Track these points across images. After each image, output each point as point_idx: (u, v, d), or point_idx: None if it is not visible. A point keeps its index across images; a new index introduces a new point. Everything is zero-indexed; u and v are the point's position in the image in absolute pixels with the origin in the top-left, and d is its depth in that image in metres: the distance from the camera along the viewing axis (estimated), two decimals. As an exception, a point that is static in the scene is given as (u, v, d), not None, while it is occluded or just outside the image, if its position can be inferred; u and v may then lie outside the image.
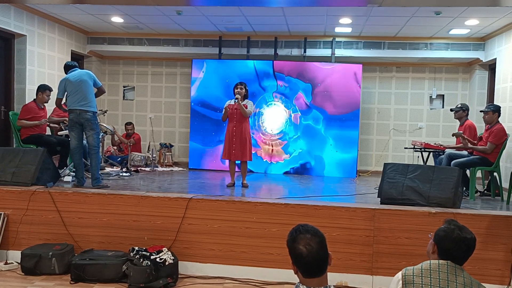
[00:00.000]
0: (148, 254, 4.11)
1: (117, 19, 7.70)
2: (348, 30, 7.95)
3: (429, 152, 6.76)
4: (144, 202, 4.54)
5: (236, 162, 6.22)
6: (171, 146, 9.16)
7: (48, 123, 6.52)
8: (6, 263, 4.42)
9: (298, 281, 1.88)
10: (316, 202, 4.53)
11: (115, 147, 8.66)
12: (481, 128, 6.73)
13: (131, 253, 4.20)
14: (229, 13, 7.11)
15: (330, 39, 8.40)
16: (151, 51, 8.85)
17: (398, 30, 7.77)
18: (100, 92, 5.64)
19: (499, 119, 5.87)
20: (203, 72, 8.50)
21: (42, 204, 4.64)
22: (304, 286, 1.83)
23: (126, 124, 8.85)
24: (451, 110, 6.75)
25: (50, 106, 6.74)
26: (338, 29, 7.95)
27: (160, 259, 4.07)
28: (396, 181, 4.69)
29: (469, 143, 5.91)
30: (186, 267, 4.39)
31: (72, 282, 4.08)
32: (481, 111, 6.12)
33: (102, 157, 7.26)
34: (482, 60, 8.08)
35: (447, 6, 6.16)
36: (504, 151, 5.81)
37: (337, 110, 8.20)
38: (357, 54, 8.41)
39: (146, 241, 4.47)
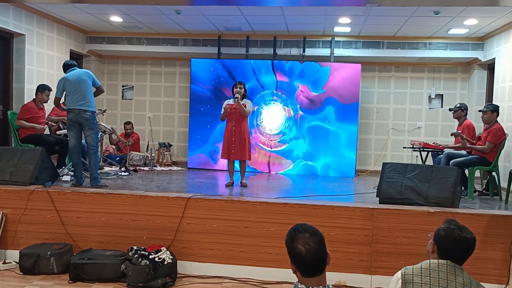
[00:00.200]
0: (146, 253, 4.11)
1: (116, 19, 7.70)
2: (347, 29, 7.95)
3: (428, 151, 6.76)
4: (142, 201, 4.54)
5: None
6: (170, 145, 9.16)
7: (44, 129, 6.48)
8: (4, 263, 4.42)
9: (297, 280, 1.88)
10: (315, 202, 4.53)
11: (114, 147, 8.65)
12: (479, 127, 6.74)
13: (130, 253, 4.20)
14: (228, 13, 7.11)
15: (329, 38, 8.40)
16: (150, 50, 8.84)
17: (397, 29, 7.77)
18: (99, 91, 5.63)
19: (498, 119, 5.87)
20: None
21: (40, 203, 4.64)
22: (303, 286, 1.83)
23: (125, 123, 8.84)
24: (450, 109, 6.75)
25: (49, 106, 6.73)
26: (337, 29, 7.95)
27: (159, 258, 4.07)
28: (395, 180, 4.69)
29: (467, 143, 5.91)
30: (184, 267, 4.39)
31: (70, 281, 4.07)
32: (479, 111, 6.13)
33: (101, 157, 7.26)
34: (481, 60, 8.09)
35: (446, 6, 6.16)
36: (502, 150, 5.81)
37: (337, 108, 8.21)
38: (356, 53, 8.41)
39: (145, 241, 4.46)
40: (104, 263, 4.11)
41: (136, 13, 7.35)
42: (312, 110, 8.26)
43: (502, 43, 7.27)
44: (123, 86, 9.67)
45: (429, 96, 8.90)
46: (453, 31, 7.62)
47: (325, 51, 8.44)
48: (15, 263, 4.40)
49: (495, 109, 5.85)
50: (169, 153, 8.94)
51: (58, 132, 6.51)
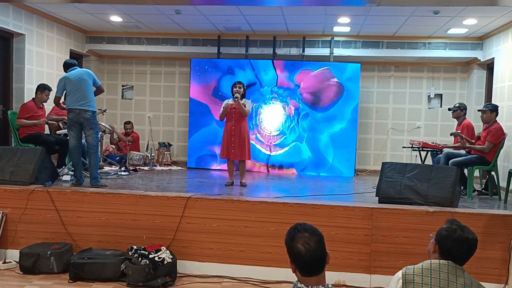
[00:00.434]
0: (146, 253, 4.12)
1: (116, 18, 7.70)
2: (347, 29, 7.96)
3: (427, 151, 6.77)
4: (142, 201, 4.54)
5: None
6: (170, 145, 9.16)
7: (47, 122, 6.51)
8: (4, 262, 4.42)
9: (296, 279, 1.89)
10: (314, 201, 4.54)
11: (114, 146, 8.66)
12: (479, 127, 6.75)
13: (130, 252, 4.20)
14: (228, 13, 7.11)
15: (329, 38, 8.41)
16: (149, 50, 8.85)
17: (396, 29, 7.78)
18: (99, 91, 5.63)
19: (497, 118, 5.88)
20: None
21: (40, 203, 4.64)
22: (302, 285, 1.84)
23: (125, 123, 8.85)
24: (449, 109, 6.76)
25: (48, 105, 6.74)
26: (336, 29, 7.95)
27: (159, 258, 4.07)
28: (394, 180, 4.70)
29: (467, 143, 5.92)
30: (184, 266, 4.40)
31: (70, 281, 4.08)
32: (479, 110, 6.14)
33: (101, 156, 7.26)
34: (480, 60, 8.10)
35: (445, 6, 6.17)
36: (501, 150, 5.82)
37: (337, 108, 8.21)
38: (356, 53, 8.42)
39: (145, 240, 4.47)
40: (104, 263, 4.12)
41: (136, 13, 7.36)
42: (312, 109, 8.26)
43: (501, 42, 7.28)
44: (123, 86, 9.67)
45: (429, 96, 8.91)
46: (453, 30, 7.63)
47: (325, 51, 8.45)
48: (15, 263, 4.40)
49: (494, 109, 5.85)
50: (169, 152, 8.95)
51: (58, 132, 6.51)
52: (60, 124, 6.59)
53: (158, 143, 9.16)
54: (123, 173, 6.88)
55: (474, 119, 7.77)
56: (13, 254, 4.52)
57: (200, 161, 8.54)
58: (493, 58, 7.59)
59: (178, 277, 4.23)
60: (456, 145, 6.22)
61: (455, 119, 6.66)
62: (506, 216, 4.21)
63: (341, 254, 4.24)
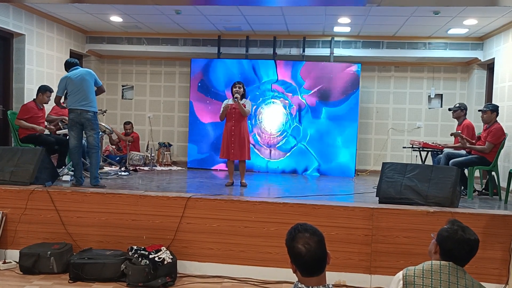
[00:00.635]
0: (146, 253, 4.11)
1: (116, 19, 7.70)
2: (347, 29, 7.95)
3: (428, 151, 6.77)
4: (142, 201, 4.54)
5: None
6: (170, 145, 9.16)
7: (47, 125, 6.49)
8: (4, 262, 4.42)
9: (297, 280, 1.89)
10: (314, 201, 4.54)
11: (114, 146, 8.66)
12: (479, 127, 6.74)
13: (130, 252, 4.20)
14: (228, 13, 7.11)
15: (329, 38, 8.41)
16: (150, 50, 8.85)
17: (396, 29, 7.78)
18: (100, 91, 5.61)
19: (497, 119, 5.88)
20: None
21: (40, 203, 4.64)
22: (303, 285, 1.84)
23: (125, 123, 8.85)
24: (449, 109, 6.76)
25: (49, 106, 6.73)
26: (336, 29, 7.95)
27: (159, 258, 4.07)
28: (395, 180, 4.70)
29: (467, 143, 5.92)
30: (184, 266, 4.39)
31: (70, 281, 4.07)
32: (479, 111, 6.13)
33: (101, 156, 7.26)
34: (480, 60, 8.09)
35: (446, 6, 6.17)
36: (502, 150, 5.82)
37: (336, 108, 8.21)
38: (356, 53, 8.42)
39: (145, 240, 4.47)
40: (104, 263, 4.11)
41: (136, 13, 7.36)
42: (311, 107, 8.26)
43: (502, 43, 7.28)
44: (123, 86, 9.67)
45: (429, 96, 8.91)
46: (453, 31, 7.62)
47: (325, 51, 8.45)
48: (15, 263, 4.40)
49: (495, 109, 5.85)
50: (169, 153, 8.95)
51: (57, 132, 6.51)
52: (60, 124, 6.58)
53: (158, 143, 9.16)
54: (123, 173, 6.88)
55: (474, 119, 7.77)
56: (13, 254, 4.51)
57: (201, 161, 8.53)
58: (494, 58, 7.58)
59: (178, 277, 4.22)
60: (456, 145, 6.21)
61: (455, 119, 6.65)
62: (506, 216, 4.21)
63: (341, 254, 4.23)
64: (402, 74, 8.99)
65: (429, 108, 8.95)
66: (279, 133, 8.35)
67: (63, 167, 6.28)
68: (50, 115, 6.68)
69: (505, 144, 5.87)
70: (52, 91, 6.45)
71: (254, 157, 7.98)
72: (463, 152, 6.01)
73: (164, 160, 8.79)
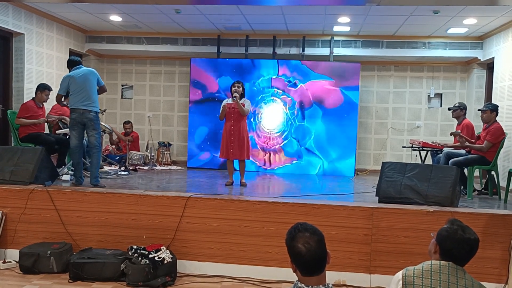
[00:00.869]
0: (146, 252, 4.11)
1: (115, 18, 7.69)
2: (347, 29, 7.95)
3: (427, 151, 6.77)
4: (142, 200, 4.54)
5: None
6: (170, 144, 9.16)
7: (47, 120, 6.50)
8: (4, 262, 4.42)
9: (297, 279, 1.89)
10: (314, 201, 4.54)
11: (114, 146, 8.66)
12: (479, 127, 6.75)
13: (130, 252, 4.20)
14: (228, 12, 7.11)
15: (329, 38, 8.41)
16: (149, 50, 8.84)
17: (396, 29, 7.78)
18: (101, 90, 5.59)
19: (497, 118, 5.88)
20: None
21: (40, 202, 4.64)
22: (303, 285, 1.84)
23: (125, 123, 8.84)
24: (449, 109, 6.76)
25: (48, 105, 6.74)
26: (336, 28, 7.95)
27: (159, 257, 4.07)
28: (394, 180, 4.70)
29: (466, 142, 5.92)
30: (184, 266, 4.40)
31: (70, 280, 4.07)
32: (479, 110, 6.14)
33: (101, 156, 7.26)
34: (480, 59, 8.09)
35: (445, 5, 6.17)
36: (501, 150, 5.82)
37: (336, 108, 8.21)
38: (356, 53, 8.42)
39: (145, 240, 4.47)
40: (104, 262, 4.11)
41: (135, 13, 7.35)
42: (311, 107, 8.26)
43: (501, 42, 7.28)
44: (122, 86, 9.67)
45: (428, 96, 8.91)
46: (452, 30, 7.62)
47: (325, 51, 8.45)
48: (15, 262, 4.40)
49: (495, 109, 5.85)
50: (168, 152, 8.95)
51: (57, 132, 6.51)
52: (60, 123, 6.59)
53: (158, 142, 9.16)
54: (123, 172, 6.88)
55: (474, 118, 7.77)
56: (13, 254, 4.51)
57: (200, 161, 8.53)
58: (493, 58, 7.59)
59: (178, 277, 4.22)
60: (456, 144, 6.22)
61: (455, 119, 6.66)
62: (506, 215, 4.21)
63: (341, 254, 4.24)
64: (401, 74, 8.99)
65: (428, 108, 8.95)
66: (280, 133, 8.34)
67: (63, 166, 6.28)
68: (50, 115, 6.67)
69: (504, 144, 5.87)
70: (51, 89, 6.45)
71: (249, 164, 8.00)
72: (462, 151, 6.01)
73: (164, 160, 8.79)
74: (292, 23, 7.73)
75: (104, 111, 7.26)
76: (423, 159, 6.90)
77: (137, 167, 7.77)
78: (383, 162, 4.99)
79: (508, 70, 6.97)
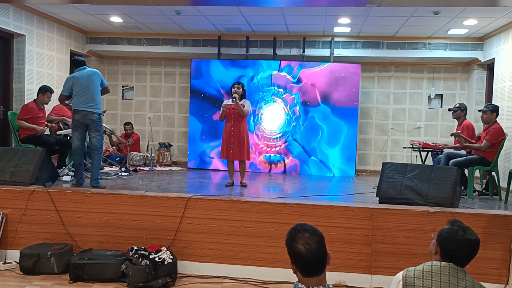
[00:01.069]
0: (147, 253, 4.11)
1: (116, 19, 7.70)
2: (347, 30, 7.96)
3: (428, 151, 6.77)
4: (143, 201, 4.54)
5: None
6: (170, 145, 9.16)
7: (47, 125, 6.48)
8: (5, 263, 4.42)
9: (297, 280, 1.89)
10: (314, 202, 4.54)
11: (114, 147, 8.66)
12: (479, 127, 6.75)
13: (130, 253, 4.20)
14: (228, 13, 7.11)
15: (329, 39, 8.41)
16: (150, 51, 8.85)
17: (396, 30, 7.78)
18: (105, 91, 5.59)
19: (497, 119, 5.88)
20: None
21: (41, 203, 4.64)
22: (303, 285, 1.84)
23: (125, 124, 8.85)
24: (449, 110, 6.76)
25: (49, 106, 6.73)
26: (336, 29, 7.96)
27: (159, 258, 4.07)
28: (395, 180, 4.70)
29: (465, 142, 5.91)
30: (185, 267, 4.40)
31: (71, 281, 4.07)
32: (479, 110, 6.14)
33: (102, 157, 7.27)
34: (480, 60, 8.09)
35: (446, 6, 6.17)
36: (502, 150, 5.82)
37: (336, 108, 8.21)
38: (356, 54, 8.42)
39: (145, 241, 4.47)
40: (104, 263, 4.11)
41: (136, 14, 7.36)
42: (312, 107, 8.27)
43: (502, 43, 7.28)
44: (123, 87, 9.67)
45: (429, 96, 8.91)
46: (453, 31, 7.63)
47: (325, 52, 8.45)
48: (16, 263, 4.40)
49: (495, 109, 5.85)
50: (169, 153, 8.95)
51: (58, 133, 6.51)
52: (60, 124, 6.59)
53: (159, 143, 9.17)
54: (123, 173, 6.88)
55: (474, 119, 7.77)
56: (14, 255, 4.52)
57: (201, 162, 8.53)
58: (494, 59, 7.59)
59: (178, 278, 4.23)
60: (456, 145, 6.22)
61: (455, 120, 6.66)
62: (506, 216, 4.21)
63: (341, 255, 4.24)
64: (402, 75, 9.00)
65: (429, 109, 8.95)
66: (280, 134, 8.33)
67: (63, 167, 6.28)
68: (50, 116, 6.68)
69: (504, 144, 5.87)
70: (53, 92, 6.46)
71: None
72: (463, 152, 6.01)
73: (164, 161, 8.80)
74: (292, 24, 7.74)
75: (104, 112, 7.26)
76: (423, 159, 6.90)
77: (137, 168, 7.78)
78: (383, 163, 4.99)
79: (509, 71, 6.97)
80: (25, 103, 6.54)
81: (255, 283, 4.22)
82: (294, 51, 8.55)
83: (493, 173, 5.82)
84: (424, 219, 4.20)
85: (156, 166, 8.19)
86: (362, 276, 4.25)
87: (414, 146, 6.69)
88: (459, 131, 6.20)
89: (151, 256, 4.07)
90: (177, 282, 4.16)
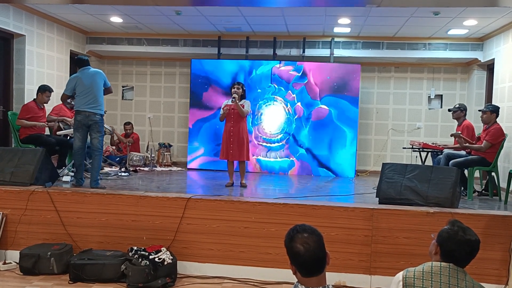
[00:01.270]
0: (146, 254, 4.11)
1: (116, 19, 7.70)
2: (347, 30, 7.96)
3: (427, 152, 6.77)
4: (142, 202, 4.54)
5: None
6: (170, 146, 9.16)
7: (47, 124, 6.50)
8: (4, 263, 4.42)
9: (297, 280, 1.89)
10: (314, 202, 4.54)
11: (114, 147, 8.66)
12: (479, 128, 6.74)
13: (130, 253, 4.20)
14: (228, 13, 7.11)
15: (329, 39, 8.41)
16: (150, 51, 8.85)
17: (396, 30, 7.78)
18: (107, 91, 5.57)
19: (497, 119, 5.88)
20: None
21: (40, 204, 4.64)
22: (303, 286, 1.84)
23: (125, 124, 8.85)
24: (449, 110, 6.76)
25: (49, 106, 6.74)
26: (337, 29, 7.96)
27: (159, 259, 4.07)
28: (395, 181, 4.70)
29: (465, 142, 5.91)
30: (184, 267, 4.40)
31: (70, 282, 4.08)
32: (479, 111, 6.14)
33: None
34: (480, 60, 8.10)
35: (446, 7, 6.17)
36: (502, 151, 5.82)
37: (336, 108, 8.21)
38: (356, 54, 8.42)
39: (145, 241, 4.47)
40: (104, 264, 4.11)
41: (136, 14, 7.36)
42: (312, 106, 8.26)
43: (502, 43, 7.28)
44: (123, 87, 9.68)
45: (429, 97, 8.91)
46: (453, 31, 7.63)
47: (325, 52, 8.45)
48: (15, 264, 4.40)
49: (495, 110, 5.85)
50: (169, 153, 8.95)
51: (58, 133, 6.51)
52: (60, 124, 6.59)
53: (158, 144, 9.17)
54: (123, 174, 6.88)
55: (474, 120, 7.77)
56: (13, 255, 4.52)
57: (201, 162, 8.53)
58: (494, 59, 7.59)
59: (178, 278, 4.23)
60: (456, 146, 6.21)
61: (455, 120, 6.66)
62: (506, 217, 4.21)
63: (341, 255, 4.24)
64: (402, 75, 9.00)
65: (429, 109, 8.95)
66: (281, 135, 8.33)
67: (63, 167, 6.28)
68: (51, 116, 6.68)
69: (504, 145, 5.87)
70: (52, 91, 6.46)
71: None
72: (463, 152, 6.01)
73: (164, 161, 8.79)
74: (292, 24, 7.74)
75: (105, 112, 7.26)
76: (423, 160, 6.90)
77: (137, 168, 7.78)
78: (383, 163, 4.99)
79: (509, 71, 6.97)
80: (25, 103, 6.54)
81: (255, 284, 4.22)
82: (294, 51, 8.55)
83: (493, 173, 5.82)
84: (424, 220, 4.20)
85: (156, 167, 8.19)
86: (362, 276, 4.25)
87: (414, 147, 6.69)
88: (459, 132, 6.20)
89: (151, 257, 4.07)
90: (177, 282, 4.16)
